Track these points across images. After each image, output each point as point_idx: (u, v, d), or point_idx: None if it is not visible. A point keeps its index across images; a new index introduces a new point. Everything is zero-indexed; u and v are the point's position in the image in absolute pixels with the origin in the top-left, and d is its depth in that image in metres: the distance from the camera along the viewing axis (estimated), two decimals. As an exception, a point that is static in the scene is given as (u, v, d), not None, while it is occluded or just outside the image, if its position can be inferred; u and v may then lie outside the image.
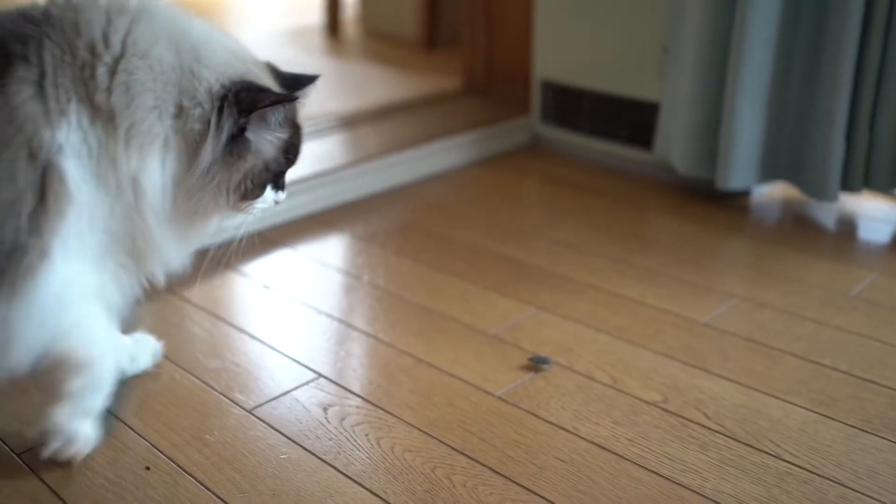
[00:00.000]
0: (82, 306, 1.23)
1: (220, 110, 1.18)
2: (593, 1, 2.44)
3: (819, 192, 2.09)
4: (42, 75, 1.13)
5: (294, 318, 1.73)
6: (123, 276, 1.28)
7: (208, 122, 1.17)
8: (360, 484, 1.26)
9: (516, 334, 1.64)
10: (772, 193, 2.33)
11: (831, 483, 1.24)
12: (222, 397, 1.45)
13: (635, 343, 1.60)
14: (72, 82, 1.14)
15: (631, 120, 2.44)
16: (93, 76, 1.14)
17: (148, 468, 1.28)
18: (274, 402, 1.44)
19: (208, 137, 1.17)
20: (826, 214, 2.19)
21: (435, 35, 3.65)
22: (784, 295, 1.77)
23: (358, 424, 1.38)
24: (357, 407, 1.43)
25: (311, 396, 1.46)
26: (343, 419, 1.39)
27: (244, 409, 1.42)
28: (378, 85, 3.17)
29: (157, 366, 1.53)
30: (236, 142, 1.19)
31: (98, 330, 1.26)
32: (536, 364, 1.52)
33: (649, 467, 1.28)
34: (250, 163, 1.22)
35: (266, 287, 1.84)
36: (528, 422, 1.38)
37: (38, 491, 1.24)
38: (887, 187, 2.07)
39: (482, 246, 2.03)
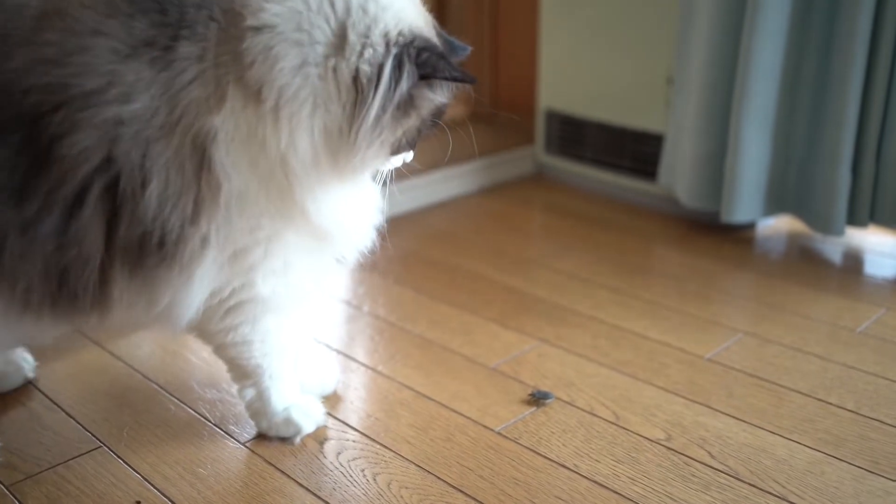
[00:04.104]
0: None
1: (399, 62, 1.12)
2: (598, 32, 2.44)
3: (825, 226, 2.07)
4: (204, 52, 1.10)
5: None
6: (315, 259, 1.28)
7: (379, 68, 1.12)
8: (355, 521, 1.23)
9: (518, 368, 1.61)
10: (777, 226, 2.31)
11: (838, 526, 1.22)
12: (217, 429, 1.43)
13: (638, 378, 1.58)
14: (231, 58, 1.10)
15: (635, 151, 2.42)
16: (242, 49, 1.10)
17: (139, 502, 1.26)
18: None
19: (380, 87, 1.12)
20: (832, 248, 2.17)
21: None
22: (790, 330, 1.74)
23: (354, 459, 1.35)
24: (354, 441, 1.40)
25: (307, 429, 1.43)
26: (339, 453, 1.37)
27: (239, 441, 1.40)
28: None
29: (150, 397, 1.51)
30: (405, 100, 1.15)
31: None
32: (538, 399, 1.50)
33: (651, 507, 1.25)
34: (411, 122, 1.18)
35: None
36: (528, 458, 1.36)
37: (27, 524, 1.22)
38: (894, 221, 2.05)
39: (485, 276, 2.01)
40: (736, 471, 1.32)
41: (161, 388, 1.54)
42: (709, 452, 1.36)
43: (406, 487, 1.29)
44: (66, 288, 1.14)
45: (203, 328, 1.30)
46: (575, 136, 2.57)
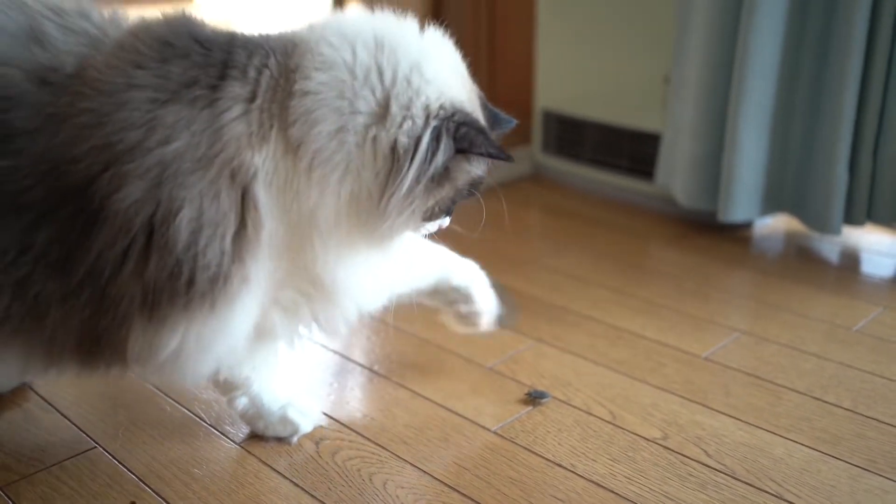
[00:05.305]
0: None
1: (436, 136, 1.13)
2: (595, 31, 2.43)
3: (822, 224, 2.06)
4: (254, 96, 1.11)
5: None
6: (305, 308, 1.25)
7: (417, 140, 1.12)
8: (350, 521, 1.23)
9: (514, 367, 1.61)
10: (774, 225, 2.31)
11: (835, 525, 1.21)
12: (212, 430, 1.43)
13: (635, 377, 1.57)
14: (278, 109, 1.12)
15: (632, 151, 2.42)
16: (289, 106, 1.12)
17: (134, 502, 1.25)
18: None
19: (416, 159, 1.12)
20: (829, 247, 2.17)
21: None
22: (787, 329, 1.74)
23: (350, 459, 1.35)
24: (350, 441, 1.40)
25: (303, 429, 1.43)
26: (335, 453, 1.36)
27: (234, 442, 1.40)
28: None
29: (145, 397, 1.51)
30: (440, 174, 1.15)
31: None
32: (534, 398, 1.50)
33: (648, 506, 1.25)
34: (444, 192, 1.18)
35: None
36: (524, 458, 1.35)
37: (21, 525, 1.22)
38: (891, 220, 2.05)
39: (481, 276, 2.00)
40: (732, 469, 1.32)
41: (156, 388, 1.53)
42: (705, 451, 1.36)
43: (402, 487, 1.28)
44: (97, 349, 1.14)
45: None
46: (572, 136, 2.57)
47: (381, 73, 1.14)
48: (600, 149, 2.50)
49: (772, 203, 2.15)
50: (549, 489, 1.28)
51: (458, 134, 1.14)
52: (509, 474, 1.31)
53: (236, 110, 1.10)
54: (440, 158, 1.13)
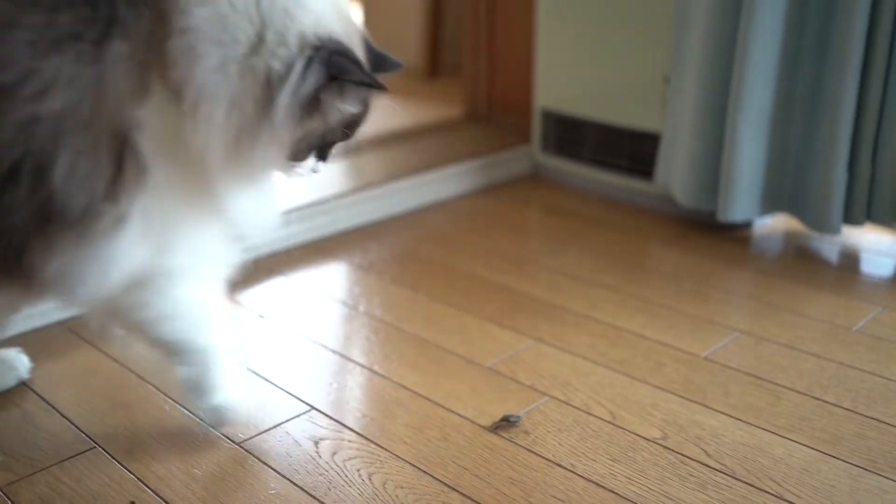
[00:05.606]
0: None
1: (308, 63, 1.14)
2: (594, 31, 2.43)
3: (821, 224, 2.06)
4: (135, 49, 1.10)
5: (288, 348, 1.70)
6: (222, 237, 1.29)
7: (290, 67, 1.13)
8: (350, 521, 1.23)
9: (514, 367, 1.61)
10: (774, 225, 2.31)
11: (835, 525, 1.21)
12: (212, 429, 1.42)
13: (634, 377, 1.57)
14: (156, 55, 1.10)
15: (632, 150, 2.42)
16: (166, 48, 1.10)
17: (133, 502, 1.25)
18: (264, 435, 1.41)
19: (287, 85, 1.13)
20: (828, 247, 2.17)
21: (437, 64, 3.65)
22: (786, 329, 1.74)
23: (350, 459, 1.35)
24: (349, 441, 1.40)
25: (302, 429, 1.43)
26: (335, 453, 1.36)
27: (233, 441, 1.39)
28: (379, 113, 3.14)
29: (145, 397, 1.51)
30: (310, 100, 1.16)
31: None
32: (511, 422, 1.45)
33: (648, 506, 1.25)
34: (314, 125, 1.19)
35: (261, 316, 1.82)
36: (523, 458, 1.35)
37: (21, 525, 1.22)
38: (890, 220, 2.05)
39: (481, 275, 2.00)
40: (732, 469, 1.32)
41: (156, 388, 1.53)
42: (705, 451, 1.36)
43: (401, 487, 1.28)
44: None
45: (115, 305, 1.27)
46: (571, 136, 2.57)
47: (258, 4, 1.13)
48: (600, 149, 2.50)
49: (771, 203, 2.16)
50: (549, 489, 1.28)
51: (330, 61, 1.15)
52: (509, 474, 1.31)
53: (119, 69, 1.09)
54: (310, 83, 1.14)
